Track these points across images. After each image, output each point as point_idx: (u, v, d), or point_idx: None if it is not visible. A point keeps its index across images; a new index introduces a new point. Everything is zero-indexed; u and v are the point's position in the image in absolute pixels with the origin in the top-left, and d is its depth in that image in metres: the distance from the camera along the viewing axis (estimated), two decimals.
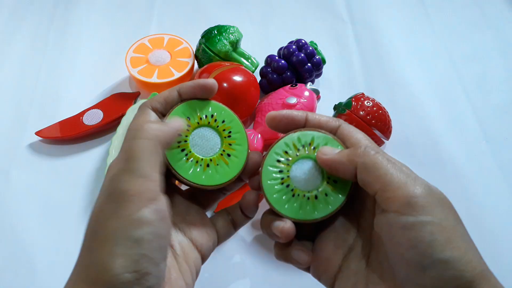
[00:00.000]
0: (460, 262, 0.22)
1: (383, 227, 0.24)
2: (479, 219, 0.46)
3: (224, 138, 0.30)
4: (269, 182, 0.27)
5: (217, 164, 0.29)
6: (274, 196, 0.27)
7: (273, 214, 0.28)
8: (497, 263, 0.43)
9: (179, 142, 0.28)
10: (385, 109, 0.50)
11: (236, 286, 0.42)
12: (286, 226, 0.26)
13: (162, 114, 0.28)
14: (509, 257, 0.44)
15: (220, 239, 0.31)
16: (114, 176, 0.23)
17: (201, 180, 0.28)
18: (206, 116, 0.29)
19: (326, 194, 0.27)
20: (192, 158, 0.28)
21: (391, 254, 0.24)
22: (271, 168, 0.28)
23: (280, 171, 0.28)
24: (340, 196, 0.27)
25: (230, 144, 0.29)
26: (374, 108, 0.48)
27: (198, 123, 0.29)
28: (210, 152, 0.29)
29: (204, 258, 0.29)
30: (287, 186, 0.27)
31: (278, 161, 0.28)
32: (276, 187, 0.27)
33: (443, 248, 0.22)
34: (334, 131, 0.28)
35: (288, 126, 0.28)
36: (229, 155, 0.29)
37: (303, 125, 0.28)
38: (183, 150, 0.28)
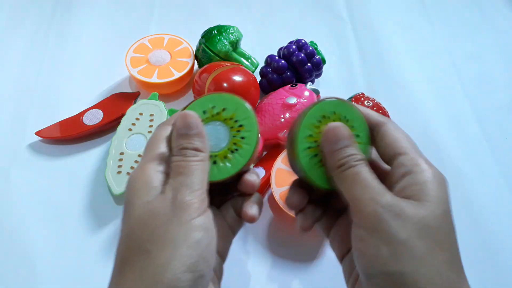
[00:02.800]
0: (410, 276, 0.22)
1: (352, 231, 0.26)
2: (479, 219, 0.46)
3: (231, 129, 0.29)
4: None
5: (226, 157, 0.29)
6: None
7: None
8: (497, 263, 0.44)
9: None
10: (385, 109, 0.50)
11: (236, 286, 0.42)
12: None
13: None
14: (509, 257, 0.44)
15: (234, 233, 0.32)
16: (172, 189, 0.25)
17: (212, 176, 0.28)
18: (212, 110, 0.29)
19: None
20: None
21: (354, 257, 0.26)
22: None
23: None
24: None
25: (238, 132, 0.29)
26: (374, 108, 0.48)
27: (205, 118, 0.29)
28: (218, 146, 0.29)
29: (224, 261, 0.31)
30: None
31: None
32: None
33: (387, 261, 0.23)
34: (378, 126, 0.29)
35: None
36: (236, 149, 0.29)
37: None
38: None
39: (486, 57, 0.63)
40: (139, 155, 0.46)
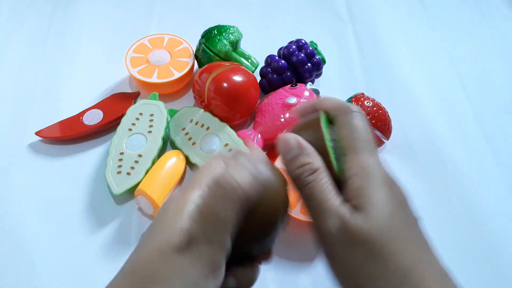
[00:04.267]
0: None
1: None
2: (479, 219, 0.46)
3: None
4: None
5: None
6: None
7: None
8: (497, 263, 0.44)
9: None
10: (385, 109, 0.50)
11: None
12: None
13: None
14: (509, 257, 0.44)
15: None
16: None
17: None
18: None
19: None
20: None
21: None
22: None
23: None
24: None
25: None
26: (374, 108, 0.48)
27: None
28: None
29: None
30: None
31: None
32: None
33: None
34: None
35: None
36: None
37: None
38: None
39: (486, 57, 0.63)
40: (139, 155, 0.46)
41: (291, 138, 0.27)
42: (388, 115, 0.50)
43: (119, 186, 0.44)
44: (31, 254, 0.42)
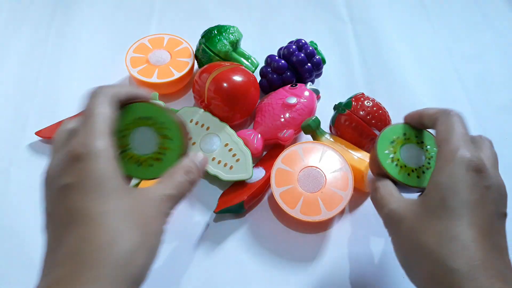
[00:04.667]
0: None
1: None
2: None
3: (160, 136, 0.32)
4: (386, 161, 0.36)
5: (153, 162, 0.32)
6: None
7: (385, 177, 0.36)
8: None
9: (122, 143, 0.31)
10: (385, 109, 0.49)
11: (236, 285, 0.42)
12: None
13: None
14: (509, 257, 0.44)
15: None
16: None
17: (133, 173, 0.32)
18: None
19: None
20: (130, 157, 0.31)
21: None
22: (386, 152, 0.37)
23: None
24: None
25: (164, 141, 0.32)
26: (374, 108, 0.48)
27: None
28: (145, 150, 0.32)
29: None
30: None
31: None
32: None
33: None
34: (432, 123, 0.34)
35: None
36: (162, 153, 0.32)
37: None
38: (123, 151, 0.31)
39: (486, 57, 0.63)
40: None
41: (373, 183, 0.36)
42: (388, 115, 0.50)
43: None
44: (31, 254, 0.42)
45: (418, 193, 0.35)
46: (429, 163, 0.36)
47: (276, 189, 0.44)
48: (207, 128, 0.48)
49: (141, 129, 0.31)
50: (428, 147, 0.37)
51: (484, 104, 0.57)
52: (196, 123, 0.49)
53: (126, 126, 0.31)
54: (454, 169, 0.28)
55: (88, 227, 0.24)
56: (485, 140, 0.35)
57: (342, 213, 0.47)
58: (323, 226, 0.46)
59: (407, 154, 0.36)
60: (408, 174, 0.35)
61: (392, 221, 0.31)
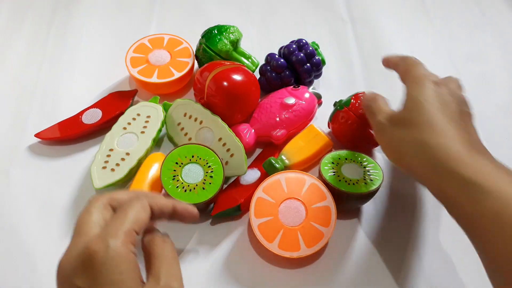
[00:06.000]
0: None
1: None
2: None
3: (205, 167, 0.44)
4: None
5: (201, 188, 0.43)
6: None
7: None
8: None
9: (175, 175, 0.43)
10: None
11: (234, 285, 0.42)
12: None
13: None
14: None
15: None
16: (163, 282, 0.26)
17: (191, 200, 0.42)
18: (193, 156, 0.44)
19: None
20: (180, 184, 0.43)
21: None
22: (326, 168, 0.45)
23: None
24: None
25: (209, 173, 0.44)
26: None
27: (190, 160, 0.44)
28: (196, 180, 0.43)
29: None
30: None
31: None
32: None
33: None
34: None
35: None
36: (209, 182, 0.43)
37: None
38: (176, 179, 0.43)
39: (486, 57, 0.63)
40: (127, 153, 0.46)
41: (368, 95, 0.45)
42: None
43: (101, 180, 0.45)
44: (31, 254, 0.42)
45: (369, 194, 0.43)
46: (368, 174, 0.44)
47: (254, 220, 0.41)
48: (200, 122, 0.48)
49: (192, 165, 0.44)
50: (365, 163, 0.45)
51: (484, 104, 0.57)
52: (190, 117, 0.49)
53: (182, 160, 0.44)
54: (420, 86, 0.38)
55: None
56: (451, 77, 0.41)
57: (323, 249, 0.43)
58: (302, 263, 0.42)
59: (348, 171, 0.44)
60: (354, 184, 0.43)
61: (384, 126, 0.39)
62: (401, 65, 0.43)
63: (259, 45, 0.61)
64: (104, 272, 0.24)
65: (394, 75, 0.61)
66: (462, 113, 0.37)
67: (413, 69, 0.41)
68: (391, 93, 0.58)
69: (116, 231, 0.26)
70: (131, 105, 0.52)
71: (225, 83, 0.47)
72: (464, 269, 0.43)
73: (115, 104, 0.52)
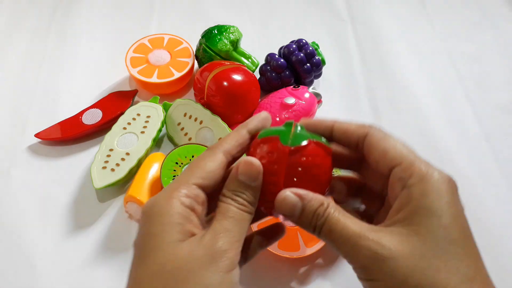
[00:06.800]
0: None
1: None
2: (479, 219, 0.46)
3: None
4: None
5: None
6: None
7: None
8: (498, 263, 0.44)
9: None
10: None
11: None
12: None
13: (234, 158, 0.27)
14: (510, 256, 0.44)
15: None
16: (213, 233, 0.23)
17: None
18: (193, 156, 0.44)
19: None
20: None
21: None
22: None
23: None
24: None
25: None
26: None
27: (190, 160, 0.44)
28: None
29: None
30: None
31: None
32: None
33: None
34: (361, 140, 0.27)
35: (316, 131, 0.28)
36: None
37: (330, 132, 0.28)
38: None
39: (486, 57, 0.63)
40: (127, 153, 0.46)
41: (288, 196, 0.25)
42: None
43: (101, 180, 0.45)
44: (31, 254, 0.42)
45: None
46: None
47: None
48: (200, 122, 0.48)
49: None
50: None
51: (484, 104, 0.57)
52: (190, 117, 0.49)
53: (182, 160, 0.43)
54: (437, 192, 0.23)
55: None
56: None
57: (323, 249, 0.42)
58: (302, 263, 0.42)
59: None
60: None
61: (377, 261, 0.22)
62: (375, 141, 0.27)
63: (259, 45, 0.61)
64: (147, 225, 0.24)
65: (394, 75, 0.61)
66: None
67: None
68: (391, 93, 0.58)
69: (166, 188, 0.25)
70: (131, 105, 0.52)
71: (225, 83, 0.47)
72: None
73: (115, 104, 0.52)
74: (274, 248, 0.40)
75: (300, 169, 0.25)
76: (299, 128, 0.26)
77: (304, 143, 0.25)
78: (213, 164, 0.25)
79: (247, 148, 0.27)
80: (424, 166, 0.24)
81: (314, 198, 0.24)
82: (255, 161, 0.25)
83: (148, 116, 0.49)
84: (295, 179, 0.25)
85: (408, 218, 0.23)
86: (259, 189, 0.26)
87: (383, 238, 0.22)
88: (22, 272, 0.41)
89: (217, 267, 0.22)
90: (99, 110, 0.51)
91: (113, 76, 0.57)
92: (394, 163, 0.25)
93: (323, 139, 0.27)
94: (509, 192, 0.49)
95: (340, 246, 0.23)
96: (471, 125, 0.55)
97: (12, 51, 0.60)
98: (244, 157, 0.26)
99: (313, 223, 0.24)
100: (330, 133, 0.28)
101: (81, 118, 0.51)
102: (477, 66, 0.62)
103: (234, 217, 0.24)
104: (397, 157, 0.25)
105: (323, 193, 0.26)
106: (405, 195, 0.24)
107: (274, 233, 0.30)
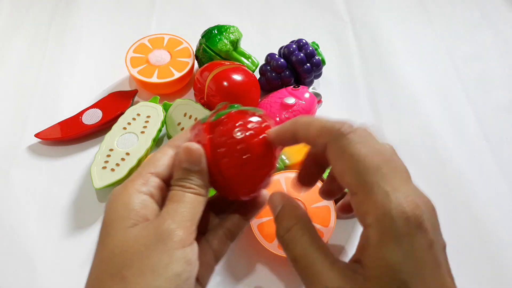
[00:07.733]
0: None
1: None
2: (479, 219, 0.46)
3: None
4: None
5: None
6: None
7: None
8: (497, 263, 0.44)
9: None
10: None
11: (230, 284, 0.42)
12: None
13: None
14: (509, 257, 0.44)
15: (218, 260, 0.29)
16: (161, 216, 0.24)
17: None
18: None
19: None
20: None
21: None
22: None
23: None
24: None
25: None
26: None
27: None
28: None
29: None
30: None
31: None
32: None
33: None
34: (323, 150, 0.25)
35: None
36: None
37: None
38: None
39: (486, 57, 0.63)
40: (127, 153, 0.46)
41: (275, 197, 0.28)
42: None
43: (101, 180, 0.45)
44: (31, 253, 0.42)
45: None
46: None
47: (254, 220, 0.41)
48: None
49: None
50: None
51: (484, 104, 0.57)
52: (190, 117, 0.49)
53: None
54: (395, 238, 0.21)
55: None
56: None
57: None
58: None
59: None
60: None
61: None
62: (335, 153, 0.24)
63: (259, 45, 0.61)
64: (105, 214, 0.25)
65: (394, 76, 0.61)
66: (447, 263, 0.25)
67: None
68: (391, 93, 0.58)
69: (125, 180, 0.26)
70: (131, 105, 0.52)
71: (225, 83, 0.47)
72: (462, 270, 0.43)
73: (115, 104, 0.52)
74: (274, 248, 0.40)
75: (224, 138, 0.26)
76: (232, 108, 0.27)
77: (223, 116, 0.27)
78: (164, 157, 0.27)
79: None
80: (381, 196, 0.21)
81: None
82: (193, 145, 0.26)
83: (148, 116, 0.49)
84: (219, 150, 0.26)
85: (366, 267, 0.23)
86: (205, 171, 0.26)
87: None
88: (22, 272, 0.41)
89: (164, 247, 0.22)
90: (99, 110, 0.52)
91: (113, 76, 0.57)
92: (351, 190, 0.23)
93: (250, 108, 0.28)
94: (509, 192, 0.49)
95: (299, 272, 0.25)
96: (471, 125, 0.55)
97: (12, 51, 0.60)
98: (183, 144, 0.26)
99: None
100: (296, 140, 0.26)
101: (81, 118, 0.51)
102: (477, 66, 0.62)
103: (182, 200, 0.25)
104: (353, 184, 0.23)
105: (258, 153, 0.26)
106: (364, 237, 0.23)
107: (251, 206, 0.30)
